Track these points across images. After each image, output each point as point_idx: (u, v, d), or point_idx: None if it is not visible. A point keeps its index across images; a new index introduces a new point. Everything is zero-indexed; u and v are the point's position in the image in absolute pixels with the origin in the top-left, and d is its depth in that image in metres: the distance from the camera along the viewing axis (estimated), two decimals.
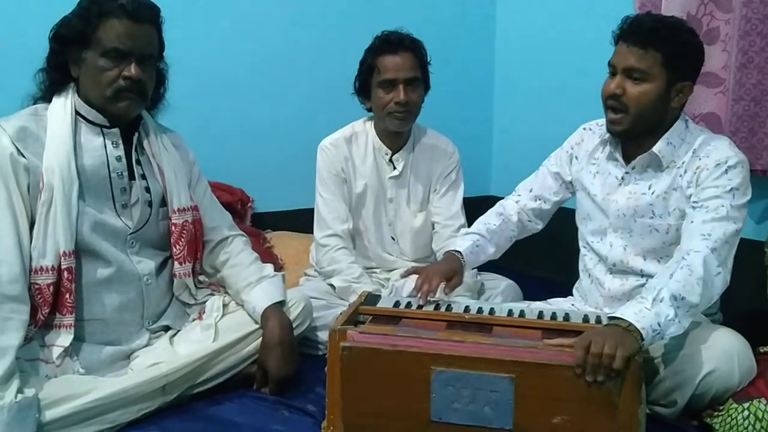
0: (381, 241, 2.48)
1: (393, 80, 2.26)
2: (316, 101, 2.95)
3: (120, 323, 1.80)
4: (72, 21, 1.73)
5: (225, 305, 1.95)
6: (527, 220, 2.12)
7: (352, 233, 2.41)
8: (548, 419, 1.47)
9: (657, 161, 1.83)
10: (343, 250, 2.34)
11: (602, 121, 1.90)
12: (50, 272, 1.67)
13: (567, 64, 2.98)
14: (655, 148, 1.81)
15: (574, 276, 2.13)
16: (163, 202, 1.89)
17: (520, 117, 3.30)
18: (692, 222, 1.73)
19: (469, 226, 2.18)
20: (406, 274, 2.03)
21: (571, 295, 2.14)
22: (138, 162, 1.85)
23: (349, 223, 2.38)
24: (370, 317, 1.70)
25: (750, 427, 1.63)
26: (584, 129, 2.05)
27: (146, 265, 1.84)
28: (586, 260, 2.03)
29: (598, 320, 1.66)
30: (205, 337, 1.84)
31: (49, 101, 1.77)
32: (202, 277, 2.03)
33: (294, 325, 1.94)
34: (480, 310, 1.74)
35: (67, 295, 1.70)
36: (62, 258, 1.68)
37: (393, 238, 2.49)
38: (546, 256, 2.70)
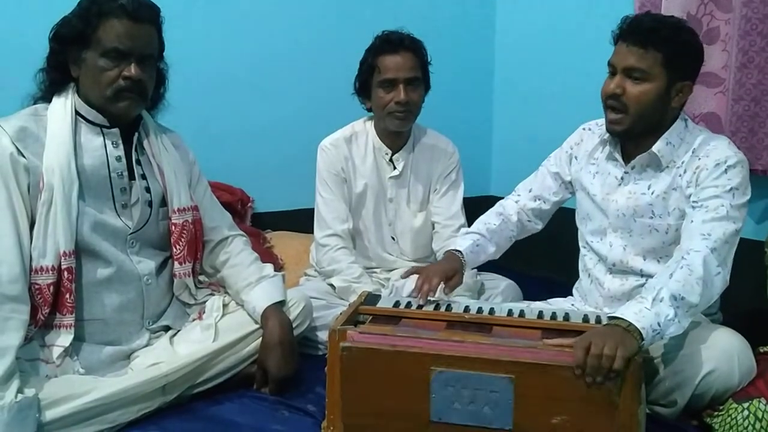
0: (381, 241, 2.48)
1: (393, 80, 2.26)
2: (316, 101, 2.95)
3: (120, 323, 1.80)
4: (72, 21, 1.73)
5: (225, 305, 1.95)
6: (527, 220, 2.12)
7: (352, 233, 2.41)
8: (548, 419, 1.47)
9: (656, 161, 1.83)
10: (343, 249, 2.34)
11: (602, 121, 1.90)
12: (50, 272, 1.67)
13: (567, 64, 2.98)
14: (655, 148, 1.81)
15: (574, 276, 2.13)
16: (163, 202, 1.89)
17: (520, 117, 3.30)
18: (692, 222, 1.73)
19: (469, 226, 2.18)
20: (407, 275, 2.03)
21: (571, 295, 2.14)
22: (138, 162, 1.85)
23: (349, 223, 2.38)
24: (370, 317, 1.70)
25: (750, 427, 1.63)
26: (584, 129, 2.05)
27: (146, 265, 1.84)
28: (586, 260, 2.03)
29: (598, 320, 1.66)
30: (205, 337, 1.84)
31: (49, 101, 1.77)
32: (202, 277, 2.03)
33: (294, 325, 1.94)
34: (480, 310, 1.74)
35: (67, 295, 1.70)
36: (62, 258, 1.68)
37: (393, 238, 2.49)
38: (546, 256, 2.70)
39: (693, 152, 1.79)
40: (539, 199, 2.10)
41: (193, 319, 1.92)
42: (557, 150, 2.10)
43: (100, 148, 1.79)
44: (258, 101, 2.90)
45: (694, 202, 1.75)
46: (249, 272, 1.98)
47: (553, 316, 1.69)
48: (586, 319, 1.67)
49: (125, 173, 1.82)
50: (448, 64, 2.65)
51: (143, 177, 1.86)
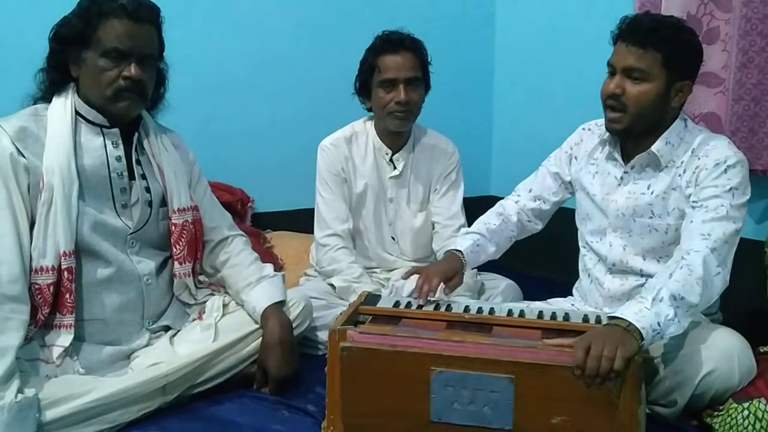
0: (381, 240, 2.48)
1: (394, 80, 2.26)
2: (316, 101, 2.96)
3: (120, 323, 1.80)
4: (72, 21, 1.73)
5: (225, 305, 1.95)
6: (527, 220, 2.12)
7: (352, 233, 2.41)
8: (548, 419, 1.47)
9: (655, 161, 1.83)
10: (343, 249, 2.34)
11: (601, 121, 1.90)
12: (50, 272, 1.67)
13: (567, 64, 2.98)
14: (654, 148, 1.81)
15: (574, 276, 2.13)
16: (163, 202, 1.89)
17: (520, 117, 3.30)
18: (692, 222, 1.73)
19: (469, 226, 2.18)
20: (407, 275, 2.02)
21: (571, 295, 2.14)
22: (138, 162, 1.85)
23: (349, 223, 2.38)
24: (370, 317, 1.70)
25: (750, 427, 1.63)
26: (583, 129, 2.05)
27: (146, 265, 1.84)
28: (586, 260, 2.03)
29: (598, 320, 1.66)
30: (205, 337, 1.84)
31: (49, 101, 1.77)
32: (202, 277, 2.03)
33: (294, 325, 1.94)
34: (480, 310, 1.74)
35: (67, 295, 1.70)
36: (62, 258, 1.68)
37: (393, 238, 2.49)
38: (546, 256, 2.70)
39: (692, 152, 1.79)
40: (539, 200, 2.10)
41: (193, 319, 1.92)
42: (557, 150, 2.10)
43: (100, 148, 1.79)
44: (258, 101, 2.90)
45: (693, 202, 1.75)
46: (249, 272, 1.98)
47: (553, 316, 1.69)
48: (586, 319, 1.67)
49: (125, 173, 1.82)
50: (448, 64, 2.65)
51: (143, 177, 1.86)
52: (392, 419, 1.54)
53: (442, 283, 1.84)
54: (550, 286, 2.56)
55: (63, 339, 1.70)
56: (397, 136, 2.40)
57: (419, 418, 1.52)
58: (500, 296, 2.35)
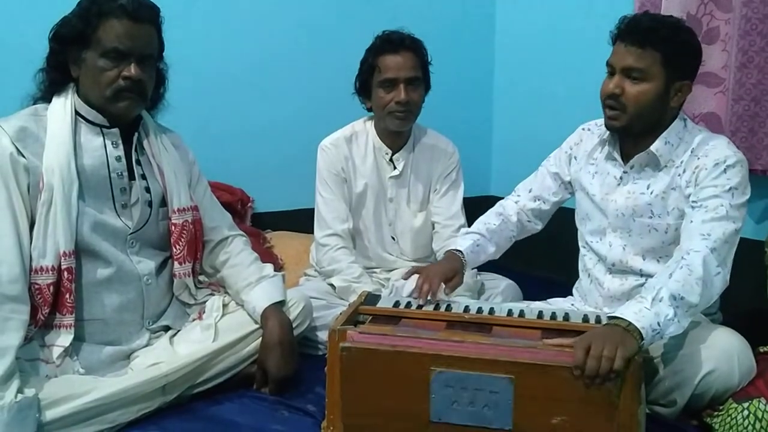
0: (381, 240, 2.48)
1: (394, 80, 2.26)
2: (316, 101, 2.96)
3: (120, 323, 1.80)
4: (72, 21, 1.73)
5: (225, 305, 1.95)
6: (526, 220, 2.12)
7: (352, 233, 2.41)
8: (548, 419, 1.47)
9: (655, 160, 1.83)
10: (343, 249, 2.34)
11: (601, 121, 1.90)
12: (50, 272, 1.67)
13: (567, 64, 2.98)
14: (653, 147, 1.81)
15: (574, 276, 2.13)
16: (163, 202, 1.89)
17: (520, 117, 3.30)
18: (691, 222, 1.73)
19: (469, 226, 2.18)
20: (408, 275, 2.02)
21: (571, 295, 2.14)
22: (138, 162, 1.85)
23: (349, 223, 2.38)
24: (370, 317, 1.70)
25: (750, 427, 1.63)
26: (583, 129, 2.05)
27: (146, 265, 1.84)
28: (586, 260, 2.03)
29: (598, 320, 1.66)
30: (205, 337, 1.84)
31: (49, 101, 1.77)
32: (202, 277, 2.03)
33: (294, 325, 1.94)
34: (480, 310, 1.74)
35: (67, 295, 1.70)
36: (62, 258, 1.68)
37: (393, 238, 2.49)
38: (546, 256, 2.70)
39: (692, 152, 1.79)
40: (539, 200, 2.11)
41: (193, 319, 1.92)
42: (557, 150, 2.10)
43: (100, 148, 1.79)
44: (258, 101, 2.90)
45: (693, 202, 1.75)
46: (249, 272, 1.98)
47: (553, 316, 1.69)
48: (585, 319, 1.67)
49: (125, 173, 1.82)
50: (448, 64, 2.65)
51: (143, 177, 1.86)
52: (392, 419, 1.54)
53: (442, 284, 1.84)
54: (550, 286, 2.56)
55: (63, 339, 1.70)
56: (397, 136, 2.40)
57: (419, 418, 1.52)
58: (500, 296, 2.35)
